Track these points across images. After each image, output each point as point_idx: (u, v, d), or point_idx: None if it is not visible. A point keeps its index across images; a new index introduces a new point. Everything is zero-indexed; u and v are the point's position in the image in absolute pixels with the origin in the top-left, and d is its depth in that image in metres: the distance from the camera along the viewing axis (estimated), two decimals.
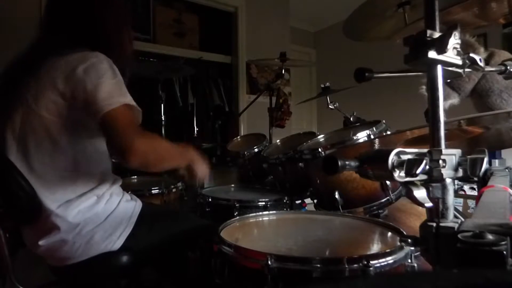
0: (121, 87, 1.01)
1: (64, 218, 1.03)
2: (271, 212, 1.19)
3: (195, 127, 3.50)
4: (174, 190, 1.78)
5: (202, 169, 1.16)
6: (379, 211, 1.29)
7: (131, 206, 1.16)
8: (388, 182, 1.25)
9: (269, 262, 0.74)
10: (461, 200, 2.45)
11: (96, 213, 1.07)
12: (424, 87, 1.81)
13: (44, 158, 1.02)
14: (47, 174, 1.03)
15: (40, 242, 1.04)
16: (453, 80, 1.82)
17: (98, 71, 0.99)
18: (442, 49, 0.50)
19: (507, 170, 0.85)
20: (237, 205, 1.44)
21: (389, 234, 0.97)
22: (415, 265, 0.81)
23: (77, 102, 0.99)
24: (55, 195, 1.03)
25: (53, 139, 1.02)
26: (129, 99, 1.01)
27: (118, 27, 1.16)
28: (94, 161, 1.10)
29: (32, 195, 1.01)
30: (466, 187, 2.62)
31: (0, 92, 1.10)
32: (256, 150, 1.97)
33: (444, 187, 0.49)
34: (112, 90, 0.98)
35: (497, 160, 2.97)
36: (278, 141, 2.14)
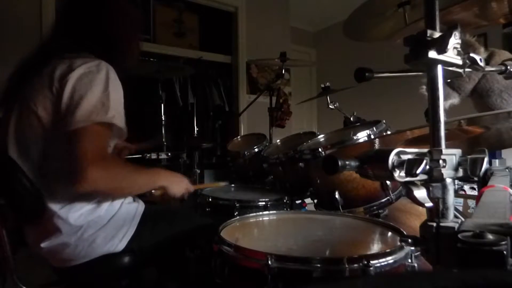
0: (106, 102, 0.96)
1: (66, 220, 1.02)
2: (271, 212, 1.19)
3: (195, 127, 3.50)
4: None
5: (175, 190, 1.18)
6: (379, 211, 1.29)
7: (133, 208, 1.16)
8: (388, 182, 1.25)
9: (269, 262, 0.74)
10: (461, 200, 2.44)
11: (99, 216, 1.07)
12: (424, 87, 1.80)
13: (44, 158, 1.02)
14: (48, 174, 1.02)
15: (42, 245, 1.04)
16: (453, 80, 1.82)
17: (92, 81, 0.97)
18: (442, 49, 0.50)
19: (507, 170, 0.85)
20: (237, 205, 1.44)
21: (389, 234, 0.97)
22: (415, 265, 0.81)
23: (62, 104, 0.96)
24: (58, 196, 1.03)
25: (51, 138, 1.01)
26: (109, 117, 0.95)
27: (130, 35, 1.17)
28: None
29: (36, 195, 1.01)
30: (466, 187, 2.62)
31: (6, 93, 1.10)
32: (256, 150, 1.97)
33: (444, 187, 0.49)
34: (95, 105, 0.94)
35: (497, 160, 2.97)
36: (278, 141, 2.14)
